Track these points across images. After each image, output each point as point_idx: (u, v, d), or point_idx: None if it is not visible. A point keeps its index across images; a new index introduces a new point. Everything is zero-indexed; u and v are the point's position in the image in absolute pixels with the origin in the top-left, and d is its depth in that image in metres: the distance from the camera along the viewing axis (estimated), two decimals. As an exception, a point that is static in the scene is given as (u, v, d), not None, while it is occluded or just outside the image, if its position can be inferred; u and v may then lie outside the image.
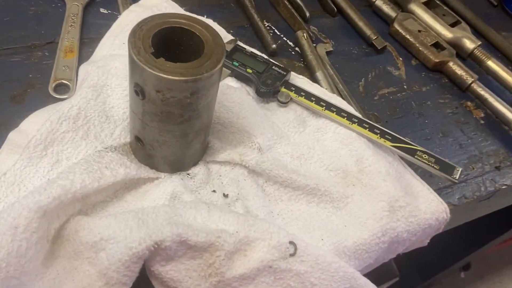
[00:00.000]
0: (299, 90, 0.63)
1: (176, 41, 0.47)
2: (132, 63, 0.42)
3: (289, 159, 0.57)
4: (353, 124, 0.61)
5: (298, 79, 0.67)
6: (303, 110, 0.63)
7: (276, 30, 0.75)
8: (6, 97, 0.56)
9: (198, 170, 0.54)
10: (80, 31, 0.64)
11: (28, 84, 0.58)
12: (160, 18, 0.45)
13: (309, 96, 0.63)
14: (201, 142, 0.53)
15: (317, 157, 0.58)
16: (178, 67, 0.42)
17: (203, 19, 0.68)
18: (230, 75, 0.65)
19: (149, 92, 0.43)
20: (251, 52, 0.66)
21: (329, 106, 0.62)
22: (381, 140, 0.59)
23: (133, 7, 0.68)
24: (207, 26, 0.46)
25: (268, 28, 0.74)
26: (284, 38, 0.74)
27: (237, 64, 0.64)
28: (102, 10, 0.69)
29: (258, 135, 0.57)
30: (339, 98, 0.65)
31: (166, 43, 0.46)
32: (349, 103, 0.66)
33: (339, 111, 0.62)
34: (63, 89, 0.58)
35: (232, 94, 0.59)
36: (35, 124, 0.52)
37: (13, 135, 0.51)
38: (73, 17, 0.65)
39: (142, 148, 0.51)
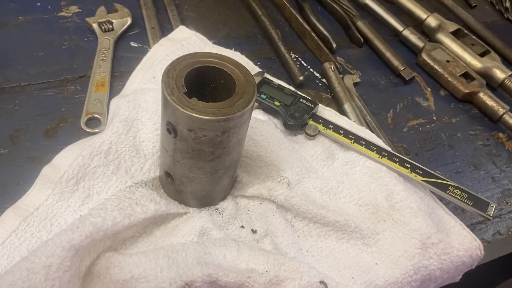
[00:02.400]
0: (327, 123, 0.63)
1: (208, 80, 0.47)
2: (165, 102, 0.43)
3: (318, 194, 0.57)
4: (383, 158, 0.60)
5: (326, 111, 0.66)
6: (331, 143, 0.63)
7: (303, 62, 0.75)
8: (40, 132, 0.57)
9: (227, 205, 0.54)
10: (111, 65, 0.66)
11: (60, 118, 0.59)
12: (192, 57, 0.46)
13: (337, 128, 0.62)
14: (230, 177, 0.53)
15: (346, 192, 0.58)
16: (210, 106, 0.42)
17: (232, 53, 0.70)
18: (257, 108, 0.65)
19: (181, 130, 0.44)
20: (279, 84, 0.67)
21: (357, 139, 0.61)
22: (412, 175, 0.58)
23: (162, 41, 0.69)
24: (239, 65, 0.47)
25: (294, 59, 0.75)
26: (311, 70, 0.75)
27: (264, 96, 0.64)
28: (132, 43, 0.71)
29: (287, 169, 0.57)
30: (368, 131, 0.64)
31: (199, 81, 0.47)
32: (377, 135, 0.65)
33: (368, 144, 0.61)
34: (94, 123, 0.59)
35: (260, 127, 0.60)
36: (67, 159, 0.53)
37: (46, 170, 0.52)
38: (104, 51, 0.66)
39: (171, 184, 0.51)
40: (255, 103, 0.65)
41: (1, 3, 0.71)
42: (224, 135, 0.44)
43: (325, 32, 0.77)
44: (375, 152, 0.60)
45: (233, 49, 0.71)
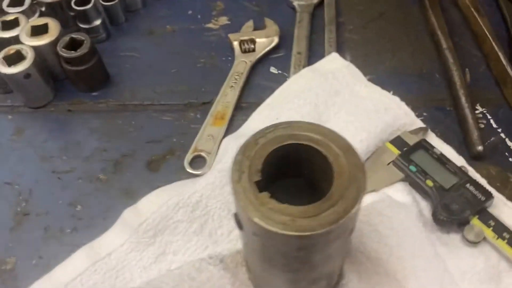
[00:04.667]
0: (501, 228, 0.42)
1: (300, 164, 0.34)
2: (232, 189, 0.31)
3: None
4: None
5: (506, 209, 0.45)
6: (500, 260, 0.42)
7: (492, 121, 0.54)
8: (144, 162, 0.52)
9: (317, 316, 0.40)
10: (240, 94, 0.57)
11: (169, 150, 0.53)
12: (286, 128, 0.33)
13: (515, 241, 0.41)
14: (323, 286, 0.39)
15: None
16: (284, 211, 0.29)
17: (388, 97, 0.53)
18: (403, 180, 0.48)
19: (247, 229, 0.32)
20: (441, 154, 0.48)
21: (546, 268, 0.40)
22: None
23: (304, 71, 0.57)
24: (349, 150, 0.32)
25: (480, 116, 0.54)
26: (502, 135, 0.52)
27: (414, 169, 0.47)
28: (272, 69, 0.60)
29: (415, 289, 0.39)
30: None
31: (287, 165, 0.34)
32: None
33: None
34: (200, 162, 0.51)
35: (394, 217, 0.43)
36: (152, 205, 0.47)
37: (127, 213, 0.47)
38: (236, 77, 0.58)
39: (249, 271, 0.40)
40: (400, 173, 0.48)
41: (155, 9, 0.68)
42: (301, 251, 0.30)
43: (540, 81, 0.54)
44: None
45: (391, 92, 0.54)
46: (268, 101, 0.55)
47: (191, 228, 0.45)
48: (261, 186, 0.30)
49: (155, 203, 0.47)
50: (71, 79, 0.57)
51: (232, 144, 0.50)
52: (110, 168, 0.52)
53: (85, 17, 0.61)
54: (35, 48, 0.54)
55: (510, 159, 0.51)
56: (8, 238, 0.48)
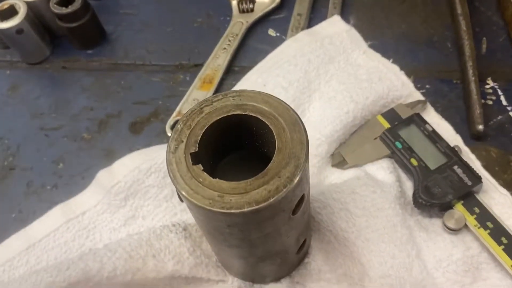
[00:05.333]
0: (485, 217, 0.39)
1: (249, 134, 0.32)
2: (166, 159, 0.30)
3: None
4: None
5: (496, 196, 0.41)
6: (481, 251, 0.39)
7: (502, 97, 0.48)
8: (127, 123, 0.52)
9: (278, 291, 0.39)
10: (232, 57, 0.54)
11: (152, 113, 0.52)
12: (235, 98, 0.31)
13: (499, 233, 0.38)
14: (279, 264, 0.37)
15: None
16: (214, 186, 0.27)
17: (386, 65, 0.49)
18: (389, 156, 0.45)
19: (184, 202, 0.31)
20: (433, 131, 0.44)
21: (529, 264, 0.36)
22: None
23: (301, 34, 0.53)
24: (295, 124, 0.29)
25: (490, 91, 0.49)
26: (511, 114, 0.47)
27: (400, 146, 0.43)
28: (270, 31, 0.57)
29: (378, 276, 0.37)
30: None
31: (233, 135, 0.32)
32: None
33: (545, 281, 0.35)
34: (182, 126, 0.50)
35: (367, 196, 0.40)
36: (125, 167, 0.46)
37: (102, 174, 0.47)
38: (231, 38, 0.55)
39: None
40: (387, 149, 0.44)
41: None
42: (232, 228, 0.29)
43: None
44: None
45: (391, 60, 0.50)
46: (259, 66, 0.52)
47: (162, 194, 0.45)
48: (194, 159, 0.29)
49: (129, 166, 0.46)
50: (67, 37, 0.57)
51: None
52: (94, 128, 0.52)
53: (83, -28, 0.59)
54: (29, 4, 0.54)
55: (516, 141, 0.46)
56: (-8, 190, 0.49)
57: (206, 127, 0.30)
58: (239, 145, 0.34)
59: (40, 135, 0.52)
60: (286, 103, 0.30)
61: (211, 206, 0.27)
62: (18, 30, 0.53)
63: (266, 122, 0.30)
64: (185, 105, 0.51)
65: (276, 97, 0.31)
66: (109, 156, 0.49)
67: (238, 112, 0.30)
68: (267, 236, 0.31)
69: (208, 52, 0.55)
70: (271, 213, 0.28)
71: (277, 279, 0.40)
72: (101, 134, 0.52)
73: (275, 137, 0.29)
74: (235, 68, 0.54)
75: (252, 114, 0.30)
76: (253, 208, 0.26)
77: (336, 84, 0.49)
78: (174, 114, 0.51)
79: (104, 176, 0.46)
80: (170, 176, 0.28)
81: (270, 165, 0.28)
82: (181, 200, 0.31)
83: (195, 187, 0.28)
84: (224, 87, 0.53)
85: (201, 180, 0.28)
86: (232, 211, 0.26)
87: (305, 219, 0.35)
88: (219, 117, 0.30)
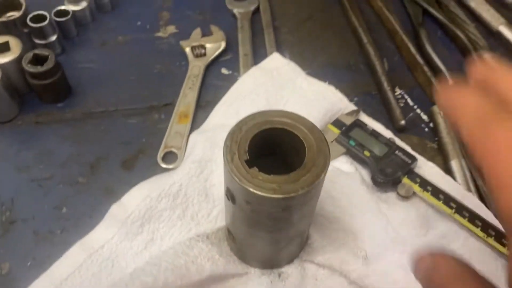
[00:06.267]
0: (425, 183, 0.54)
1: (276, 143, 0.42)
2: (225, 168, 0.39)
3: (402, 273, 0.48)
4: (489, 238, 0.49)
5: (427, 168, 0.57)
6: (427, 208, 0.53)
7: (409, 100, 0.66)
8: (118, 162, 0.57)
9: (292, 271, 0.49)
10: (198, 94, 0.63)
11: (139, 150, 0.58)
12: (261, 116, 0.41)
13: (436, 192, 0.53)
14: (297, 244, 0.47)
15: (438, 274, 0.48)
16: (271, 180, 0.37)
17: (325, 88, 0.62)
18: (345, 154, 0.58)
19: (239, 199, 0.39)
20: (372, 130, 0.58)
21: (460, 209, 0.51)
22: (527, 267, 0.47)
23: (252, 70, 0.65)
24: (313, 128, 0.40)
25: (399, 96, 0.65)
26: (418, 111, 0.64)
27: (353, 143, 0.57)
28: (223, 70, 0.68)
29: (367, 238, 0.49)
30: (476, 199, 0.53)
31: (265, 145, 0.41)
32: (489, 206, 0.54)
33: (473, 218, 0.51)
34: (171, 157, 0.57)
35: (342, 182, 0.53)
36: (135, 198, 0.52)
37: (114, 208, 0.52)
38: (193, 79, 0.64)
39: (233, 242, 0.47)
40: (342, 148, 0.58)
41: (104, 22, 0.73)
42: (285, 212, 0.39)
43: (441, 66, 0.66)
44: (479, 229, 0.50)
45: (327, 82, 0.64)
46: (225, 99, 0.62)
47: (174, 215, 0.51)
48: (249, 164, 0.38)
49: (138, 196, 0.52)
50: (37, 93, 0.61)
51: (199, 138, 0.57)
52: (87, 171, 0.56)
53: (41, 33, 0.64)
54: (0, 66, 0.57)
55: (426, 130, 0.63)
56: (-2, 245, 0.50)
57: (249, 140, 0.40)
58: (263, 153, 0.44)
59: (32, 186, 0.55)
60: (300, 115, 0.41)
61: (274, 193, 0.36)
62: (-7, 92, 0.56)
63: (292, 130, 0.40)
64: (169, 138, 0.59)
65: (290, 111, 0.42)
66: (110, 194, 0.54)
67: (269, 126, 0.41)
68: (303, 216, 0.41)
69: (174, 93, 0.64)
70: (312, 195, 0.39)
71: (290, 260, 0.49)
72: (95, 175, 0.56)
73: (302, 139, 0.40)
74: (202, 103, 0.64)
75: (280, 126, 0.41)
76: (305, 190, 0.37)
77: (292, 105, 0.61)
78: (162, 147, 0.58)
79: (117, 210, 0.52)
80: (235, 180, 0.37)
81: (306, 159, 0.39)
82: (233, 201, 0.40)
83: (257, 183, 0.37)
84: (198, 119, 0.61)
85: (260, 178, 0.37)
86: (292, 194, 0.36)
87: (313, 212, 0.46)
88: (256, 131, 0.40)
